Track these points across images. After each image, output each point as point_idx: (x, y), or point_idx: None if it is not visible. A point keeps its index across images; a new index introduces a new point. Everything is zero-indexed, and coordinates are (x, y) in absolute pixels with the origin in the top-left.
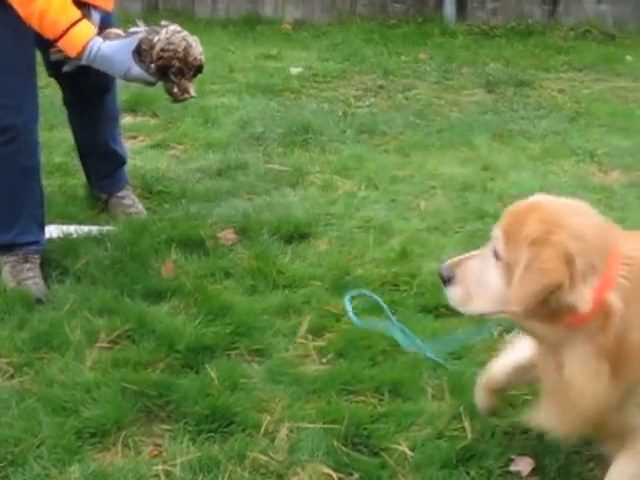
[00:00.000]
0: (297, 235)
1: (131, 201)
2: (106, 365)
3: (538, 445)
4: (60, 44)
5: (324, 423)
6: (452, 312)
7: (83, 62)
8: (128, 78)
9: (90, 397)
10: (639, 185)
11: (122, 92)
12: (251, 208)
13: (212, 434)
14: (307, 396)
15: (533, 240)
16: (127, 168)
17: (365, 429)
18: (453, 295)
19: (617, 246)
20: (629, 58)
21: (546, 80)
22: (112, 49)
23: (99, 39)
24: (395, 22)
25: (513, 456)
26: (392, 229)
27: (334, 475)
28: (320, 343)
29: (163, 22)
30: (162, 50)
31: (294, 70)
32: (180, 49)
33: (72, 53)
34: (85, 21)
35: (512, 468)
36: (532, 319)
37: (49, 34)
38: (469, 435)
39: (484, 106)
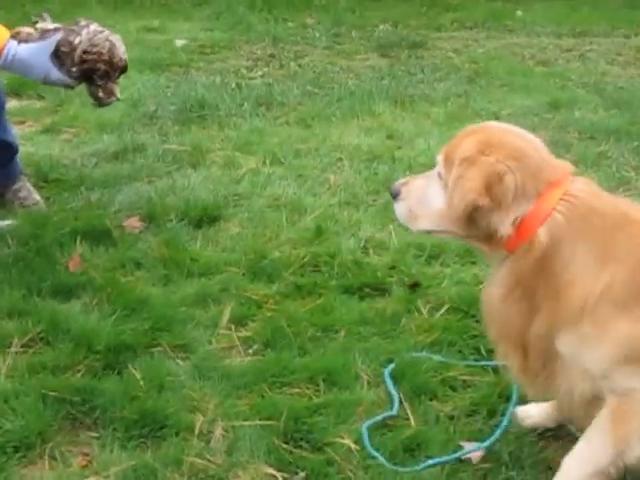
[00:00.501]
0: (206, 218)
1: (27, 192)
2: (22, 371)
3: (485, 429)
4: None
5: (260, 420)
6: (378, 292)
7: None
8: (47, 82)
9: (9, 407)
10: (549, 145)
11: (3, 75)
12: (154, 192)
13: (143, 440)
14: (238, 392)
15: (464, 159)
16: (20, 157)
17: (304, 423)
18: (399, 211)
19: (562, 181)
20: (519, 13)
21: (438, 40)
22: (29, 53)
23: (14, 42)
24: None
25: (461, 442)
26: (303, 206)
27: (278, 475)
28: (244, 333)
29: (82, 20)
30: (85, 52)
31: (179, 42)
32: (105, 50)
33: None
34: None
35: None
36: (470, 238)
37: None
38: (412, 423)
39: (380, 71)
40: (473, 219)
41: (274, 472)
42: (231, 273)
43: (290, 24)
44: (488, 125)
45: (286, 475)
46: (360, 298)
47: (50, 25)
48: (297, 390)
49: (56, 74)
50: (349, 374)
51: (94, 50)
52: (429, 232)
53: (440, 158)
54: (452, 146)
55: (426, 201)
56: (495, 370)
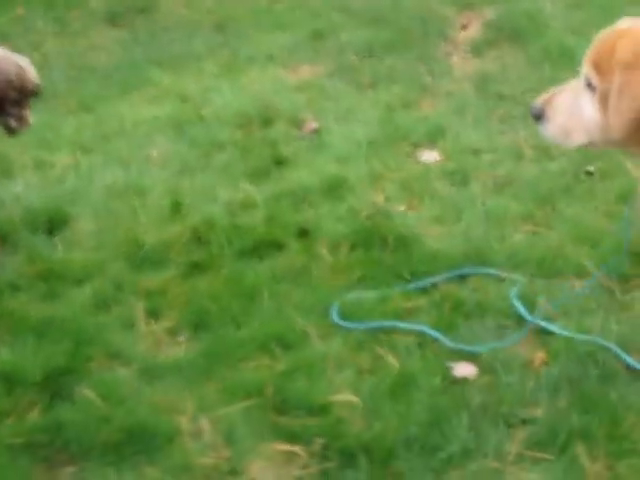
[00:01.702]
0: (56, 223)
1: None
2: None
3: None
4: None
5: (242, 400)
6: (273, 247)
7: None
8: None
9: None
10: (336, 74)
11: None
12: None
13: (139, 456)
14: (201, 381)
15: (626, 64)
16: None
17: (289, 391)
18: (547, 132)
19: None
20: None
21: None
22: None
23: None
24: None
25: (450, 363)
26: (141, 187)
27: (296, 449)
28: (167, 324)
29: None
30: None
31: None
32: (13, 76)
33: None
34: None
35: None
36: (631, 144)
37: None
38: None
39: (126, 42)
40: None
41: (289, 447)
42: (115, 269)
43: None
44: (628, 27)
45: (303, 447)
46: (260, 258)
47: None
48: (255, 363)
49: None
50: (296, 332)
51: (1, 78)
52: (581, 146)
53: (587, 68)
54: (602, 53)
55: (579, 115)
56: (433, 286)
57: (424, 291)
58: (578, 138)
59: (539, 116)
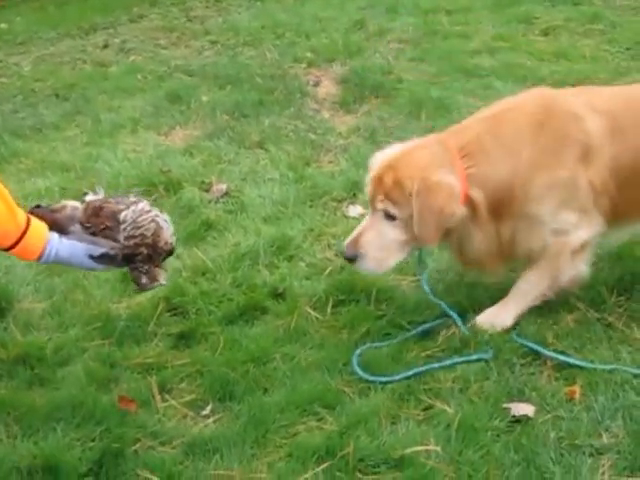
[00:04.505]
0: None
1: None
2: None
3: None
4: (13, 253)
5: (317, 464)
6: (258, 311)
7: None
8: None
9: None
10: (216, 135)
11: None
12: None
13: None
14: (259, 449)
15: (417, 193)
16: None
17: (360, 450)
18: (366, 267)
19: (452, 148)
20: (3, 26)
21: None
22: (71, 253)
23: (55, 240)
24: None
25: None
26: None
27: None
28: (187, 397)
29: (132, 196)
30: (128, 236)
31: None
32: (149, 233)
33: (28, 259)
34: (35, 222)
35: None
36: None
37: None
38: None
39: None
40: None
41: None
42: (98, 345)
43: None
44: (390, 161)
45: None
46: (248, 323)
47: (100, 195)
48: (304, 427)
49: (100, 267)
50: (332, 392)
51: (137, 233)
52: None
53: (383, 204)
54: (388, 189)
55: (389, 243)
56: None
57: (431, 337)
58: (393, 260)
59: (354, 258)
